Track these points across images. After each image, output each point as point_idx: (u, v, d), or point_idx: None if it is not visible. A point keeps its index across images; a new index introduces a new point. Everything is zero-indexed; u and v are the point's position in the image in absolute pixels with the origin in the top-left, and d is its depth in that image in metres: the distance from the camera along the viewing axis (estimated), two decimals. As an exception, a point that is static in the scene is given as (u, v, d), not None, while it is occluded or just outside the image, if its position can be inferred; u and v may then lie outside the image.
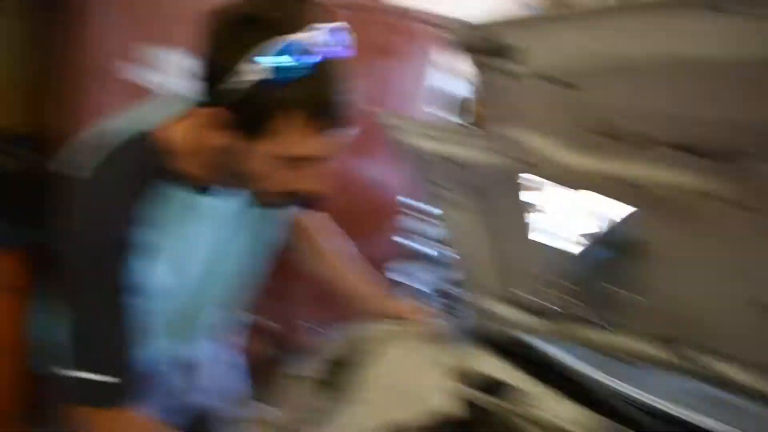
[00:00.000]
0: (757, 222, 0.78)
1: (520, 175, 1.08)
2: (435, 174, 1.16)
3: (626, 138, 0.75)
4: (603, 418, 1.13)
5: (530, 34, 0.72)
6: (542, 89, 0.75)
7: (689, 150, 0.72)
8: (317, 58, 0.75)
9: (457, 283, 1.68)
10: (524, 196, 1.27)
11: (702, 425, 1.11)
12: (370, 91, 1.80)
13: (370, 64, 2.40)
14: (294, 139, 0.79)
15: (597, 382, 1.32)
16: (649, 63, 0.65)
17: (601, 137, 0.82)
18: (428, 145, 1.07)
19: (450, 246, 1.43)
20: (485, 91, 0.86)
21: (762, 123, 0.63)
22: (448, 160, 1.05)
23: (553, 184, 1.02)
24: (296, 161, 0.82)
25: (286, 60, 0.73)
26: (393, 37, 2.56)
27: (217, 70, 0.77)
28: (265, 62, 0.73)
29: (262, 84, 0.74)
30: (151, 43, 1.97)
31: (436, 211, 1.33)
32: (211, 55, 0.78)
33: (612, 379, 1.36)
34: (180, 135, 0.89)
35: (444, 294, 2.60)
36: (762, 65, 0.57)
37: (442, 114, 2.69)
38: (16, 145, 2.03)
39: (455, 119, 2.64)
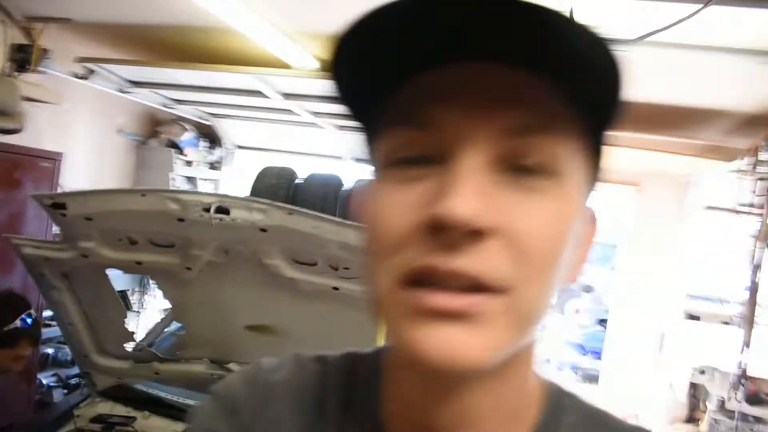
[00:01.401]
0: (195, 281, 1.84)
1: (92, 265, 1.98)
2: (41, 269, 1.98)
3: (129, 240, 1.74)
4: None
5: (78, 198, 1.67)
6: (85, 223, 1.69)
7: (155, 244, 1.73)
8: None
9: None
10: (108, 281, 2.18)
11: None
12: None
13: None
14: None
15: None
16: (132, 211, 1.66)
17: (125, 240, 1.79)
18: (33, 252, 1.90)
19: (57, 319, 2.23)
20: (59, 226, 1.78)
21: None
22: (45, 260, 1.90)
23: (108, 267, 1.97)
24: None
25: None
26: (15, 171, 3.25)
27: None
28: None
29: None
30: None
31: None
32: None
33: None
34: None
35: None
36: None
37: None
38: None
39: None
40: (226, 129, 5.65)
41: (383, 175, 0.43)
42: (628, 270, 5.37)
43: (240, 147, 6.01)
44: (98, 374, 2.41)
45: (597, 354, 6.72)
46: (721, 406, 5.67)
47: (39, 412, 3.58)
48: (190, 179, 5.60)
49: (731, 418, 5.36)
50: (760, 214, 3.17)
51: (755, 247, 3.29)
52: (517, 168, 0.41)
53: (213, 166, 5.83)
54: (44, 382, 3.77)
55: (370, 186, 0.45)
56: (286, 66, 3.78)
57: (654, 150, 4.54)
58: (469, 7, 0.37)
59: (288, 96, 4.16)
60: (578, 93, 0.41)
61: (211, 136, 5.73)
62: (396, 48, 0.40)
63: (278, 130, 5.45)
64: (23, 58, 3.57)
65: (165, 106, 5.00)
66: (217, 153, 5.81)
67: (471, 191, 0.38)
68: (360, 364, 0.56)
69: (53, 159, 3.51)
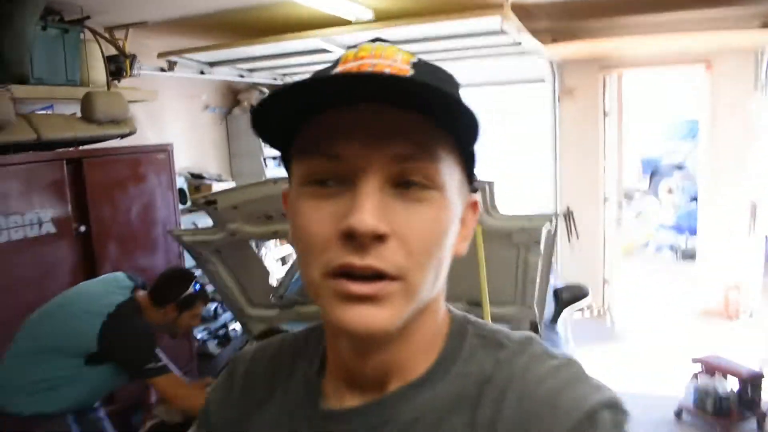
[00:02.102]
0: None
1: (238, 240, 2.50)
2: (199, 250, 2.52)
3: (266, 216, 2.23)
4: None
5: (225, 194, 2.16)
6: (231, 211, 2.19)
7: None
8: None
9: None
10: (250, 248, 2.70)
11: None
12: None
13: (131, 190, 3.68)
14: None
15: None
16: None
17: (263, 217, 2.28)
18: (192, 238, 2.43)
19: (214, 285, 2.79)
20: (211, 217, 2.28)
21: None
22: (202, 243, 2.43)
23: (252, 239, 2.48)
24: None
25: None
26: (139, 168, 3.84)
27: None
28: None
29: None
30: None
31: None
32: None
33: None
34: None
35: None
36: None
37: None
38: None
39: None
40: (297, 85, 6.06)
41: (303, 191, 0.58)
42: (711, 144, 5.44)
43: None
44: (252, 322, 2.99)
45: (693, 231, 6.78)
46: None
47: (200, 362, 4.30)
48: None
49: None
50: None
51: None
52: (405, 185, 0.56)
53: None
54: (198, 336, 4.49)
55: (292, 194, 0.60)
56: (345, 22, 4.11)
57: (721, 30, 4.57)
58: (352, 82, 0.55)
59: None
60: (447, 125, 0.56)
61: (285, 95, 6.17)
62: (305, 98, 0.55)
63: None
64: (118, 67, 4.09)
65: (240, 77, 5.47)
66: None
67: (372, 207, 0.53)
68: (311, 334, 0.74)
69: (165, 150, 4.06)
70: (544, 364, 0.60)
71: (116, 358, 2.34)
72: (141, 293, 2.47)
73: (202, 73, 4.97)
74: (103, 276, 2.70)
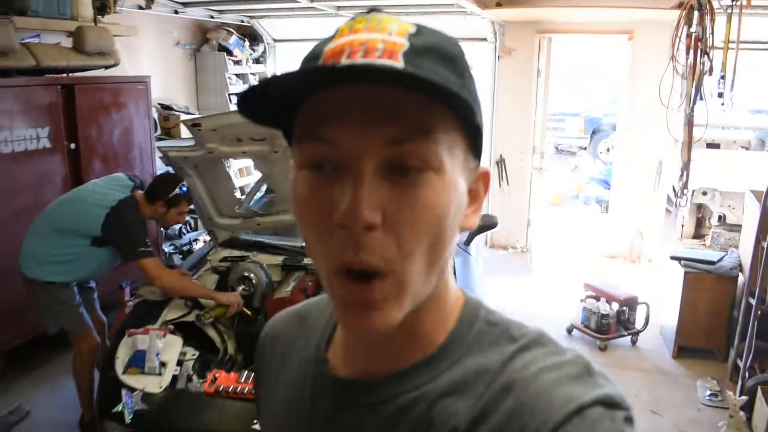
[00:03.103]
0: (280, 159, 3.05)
1: (213, 158, 3.20)
2: (180, 164, 3.21)
3: (237, 139, 2.94)
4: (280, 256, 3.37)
5: (208, 119, 2.86)
6: (212, 133, 2.90)
7: (253, 140, 2.93)
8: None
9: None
10: (222, 166, 3.41)
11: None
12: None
13: (114, 115, 4.32)
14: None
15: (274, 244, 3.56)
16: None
17: (234, 139, 2.99)
18: (176, 154, 3.13)
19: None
20: (194, 137, 2.98)
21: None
22: (184, 158, 3.13)
23: (224, 158, 3.20)
24: None
25: None
26: (120, 96, 4.46)
27: None
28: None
29: None
30: None
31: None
32: None
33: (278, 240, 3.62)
34: None
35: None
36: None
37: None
38: None
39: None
40: (264, 26, 6.66)
41: (301, 175, 0.59)
42: (629, 108, 6.25)
43: (277, 41, 7.05)
44: (219, 231, 3.72)
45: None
46: (721, 220, 6.79)
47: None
48: (240, 76, 6.72)
49: (730, 230, 6.48)
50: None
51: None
52: (401, 170, 0.55)
53: (257, 61, 6.92)
54: (166, 250, 5.22)
55: (294, 176, 0.60)
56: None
57: (642, 6, 5.30)
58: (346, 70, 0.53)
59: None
60: (445, 101, 0.55)
61: (252, 35, 6.76)
62: (301, 78, 0.55)
63: (305, 23, 6.44)
64: (102, 3, 4.64)
65: (211, 17, 6.03)
66: (260, 49, 6.87)
67: (364, 197, 0.53)
68: (327, 309, 0.79)
69: (144, 82, 4.68)
70: (548, 360, 0.60)
71: (115, 242, 3.05)
72: (138, 192, 3.15)
73: (175, 12, 5.53)
74: (108, 176, 3.36)
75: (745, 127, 9.42)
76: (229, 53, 6.49)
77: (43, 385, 3.95)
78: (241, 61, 6.63)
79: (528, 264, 6.48)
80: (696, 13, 4.09)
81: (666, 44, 5.76)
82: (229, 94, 6.46)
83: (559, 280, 5.94)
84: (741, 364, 3.67)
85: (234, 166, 5.44)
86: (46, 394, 3.86)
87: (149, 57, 5.72)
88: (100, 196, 3.06)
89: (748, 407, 3.42)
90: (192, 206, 3.42)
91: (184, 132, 5.27)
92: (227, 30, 6.48)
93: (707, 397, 3.85)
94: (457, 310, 0.68)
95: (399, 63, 0.54)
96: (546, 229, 7.15)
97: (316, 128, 0.56)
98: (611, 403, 0.55)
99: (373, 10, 0.59)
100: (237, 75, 6.67)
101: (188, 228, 6.02)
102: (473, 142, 0.62)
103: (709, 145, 8.08)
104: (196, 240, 5.71)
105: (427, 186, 0.56)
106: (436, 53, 0.57)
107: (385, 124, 0.54)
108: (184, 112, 5.89)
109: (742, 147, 9.05)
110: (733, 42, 4.25)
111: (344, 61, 0.54)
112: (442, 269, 0.61)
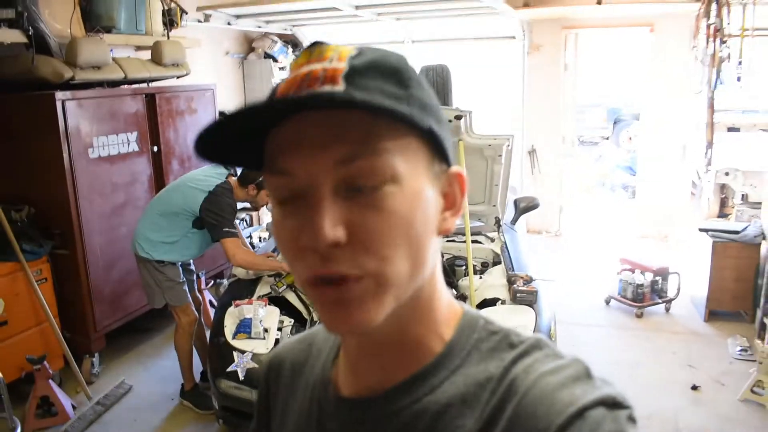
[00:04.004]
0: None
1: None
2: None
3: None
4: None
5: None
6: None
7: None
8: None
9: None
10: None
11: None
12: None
13: (187, 119, 4.87)
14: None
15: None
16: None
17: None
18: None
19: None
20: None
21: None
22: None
23: None
24: None
25: None
26: (192, 103, 5.01)
27: None
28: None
29: None
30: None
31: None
32: None
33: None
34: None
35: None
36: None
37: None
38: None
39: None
40: (305, 34, 7.20)
41: (275, 209, 0.61)
42: (651, 97, 6.71)
43: (316, 47, 7.60)
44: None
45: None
46: (744, 199, 7.23)
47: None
48: (284, 82, 7.25)
49: (753, 208, 6.90)
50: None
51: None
52: (356, 189, 0.57)
53: (298, 67, 7.46)
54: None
55: (272, 208, 0.63)
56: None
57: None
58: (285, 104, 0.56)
59: (359, 7, 5.66)
60: (387, 115, 0.55)
61: (293, 42, 7.31)
62: (251, 120, 0.56)
63: (346, 28, 6.96)
64: (170, 19, 5.19)
65: (258, 27, 6.59)
66: (300, 55, 7.41)
67: (325, 219, 0.55)
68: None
69: (211, 89, 5.24)
70: (548, 364, 0.61)
71: (207, 221, 3.57)
72: (232, 178, 3.68)
73: (228, 24, 6.08)
74: (207, 166, 3.89)
75: (764, 110, 9.81)
76: (275, 60, 7.04)
77: (138, 365, 4.50)
78: (285, 67, 7.17)
79: (563, 246, 6.96)
80: (714, 5, 4.54)
81: (685, 35, 6.28)
82: (274, 98, 6.97)
83: (593, 258, 6.43)
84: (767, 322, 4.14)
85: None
86: (143, 371, 4.40)
87: (204, 66, 6.28)
88: (200, 182, 3.60)
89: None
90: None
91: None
92: (271, 38, 7.03)
93: (738, 352, 4.31)
94: (454, 320, 0.69)
95: (340, 86, 0.57)
96: (577, 214, 7.63)
97: (274, 161, 0.59)
98: (613, 403, 0.56)
99: (315, 43, 0.61)
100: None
101: (245, 224, 6.57)
102: (435, 146, 0.62)
103: (730, 129, 8.49)
104: (249, 236, 6.23)
105: (387, 197, 0.57)
106: (377, 69, 0.59)
107: (332, 146, 0.56)
108: (236, 117, 6.42)
109: (762, 130, 9.44)
110: (749, 30, 4.72)
111: (290, 95, 0.58)
112: (423, 267, 0.62)
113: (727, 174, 7.40)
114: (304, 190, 0.58)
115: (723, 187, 7.83)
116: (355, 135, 0.56)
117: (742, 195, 7.38)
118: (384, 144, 0.57)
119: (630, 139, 11.55)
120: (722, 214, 8.01)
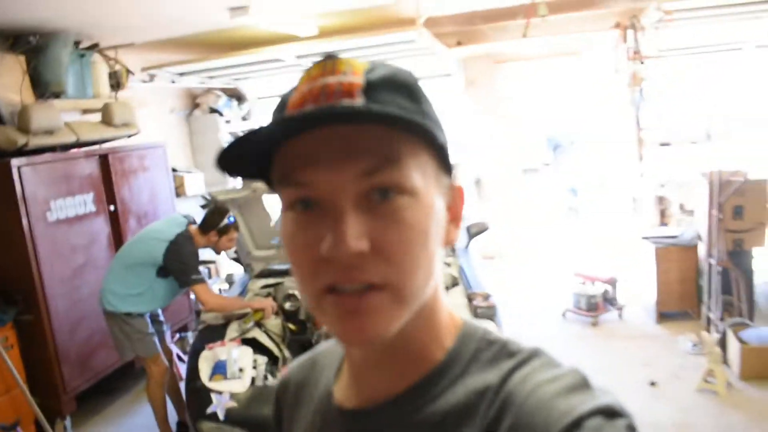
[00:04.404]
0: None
1: (256, 196, 3.88)
2: (227, 206, 3.89)
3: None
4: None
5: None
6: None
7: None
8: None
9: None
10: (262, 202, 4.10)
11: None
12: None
13: (141, 177, 4.99)
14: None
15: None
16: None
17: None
18: (224, 197, 3.81)
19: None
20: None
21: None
22: (231, 200, 3.81)
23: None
24: None
25: None
26: (144, 161, 5.13)
27: None
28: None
29: None
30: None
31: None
32: None
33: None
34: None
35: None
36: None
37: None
38: None
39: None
40: (248, 87, 7.42)
41: (287, 215, 0.62)
42: (585, 119, 7.14)
43: (260, 98, 7.83)
44: (255, 263, 4.38)
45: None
46: (681, 208, 7.68)
47: (197, 315, 5.62)
48: (232, 134, 7.44)
49: (690, 215, 7.35)
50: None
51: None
52: (378, 198, 0.58)
53: (243, 118, 7.66)
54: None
55: (281, 216, 0.64)
56: (294, 38, 5.52)
57: (585, 30, 6.21)
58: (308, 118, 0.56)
59: (300, 57, 5.92)
60: (406, 131, 0.58)
61: (237, 96, 7.52)
62: (271, 132, 0.57)
63: (290, 78, 7.21)
64: (117, 81, 5.33)
65: (201, 83, 6.78)
66: (245, 107, 7.62)
67: (348, 230, 0.56)
68: (337, 348, 0.81)
69: (161, 146, 5.37)
70: (546, 373, 0.61)
71: (173, 270, 3.67)
72: (192, 226, 3.80)
73: (173, 82, 6.26)
74: (167, 217, 4.00)
75: (690, 124, 10.45)
76: (220, 114, 7.22)
77: (111, 425, 4.48)
78: (230, 120, 7.35)
79: (517, 268, 7.23)
80: (631, 30, 4.96)
81: (609, 59, 6.75)
82: (223, 151, 7.13)
83: (547, 277, 6.72)
84: (712, 316, 4.44)
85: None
86: (115, 430, 4.40)
87: (152, 125, 6.40)
88: (161, 233, 3.71)
89: (722, 347, 4.18)
90: (237, 233, 4.08)
91: (189, 190, 6.05)
92: (216, 93, 7.22)
93: (690, 348, 4.60)
94: (454, 329, 0.70)
95: (358, 100, 0.58)
96: (528, 237, 7.95)
97: (291, 174, 0.59)
98: (611, 413, 0.55)
99: (329, 56, 0.62)
100: (231, 134, 7.39)
101: (208, 276, 6.63)
102: (442, 160, 0.64)
103: (662, 144, 9.05)
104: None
105: (405, 208, 0.59)
106: (392, 84, 0.61)
107: (353, 159, 0.57)
108: (187, 172, 6.55)
109: (692, 142, 10.05)
110: (665, 50, 5.17)
111: (307, 108, 0.58)
112: (433, 278, 0.64)
113: (662, 186, 7.90)
114: (323, 200, 0.58)
115: (661, 199, 8.33)
116: (377, 148, 0.58)
117: (679, 204, 7.87)
118: (403, 156, 0.59)
119: (569, 163, 12.07)
120: (662, 224, 8.49)
